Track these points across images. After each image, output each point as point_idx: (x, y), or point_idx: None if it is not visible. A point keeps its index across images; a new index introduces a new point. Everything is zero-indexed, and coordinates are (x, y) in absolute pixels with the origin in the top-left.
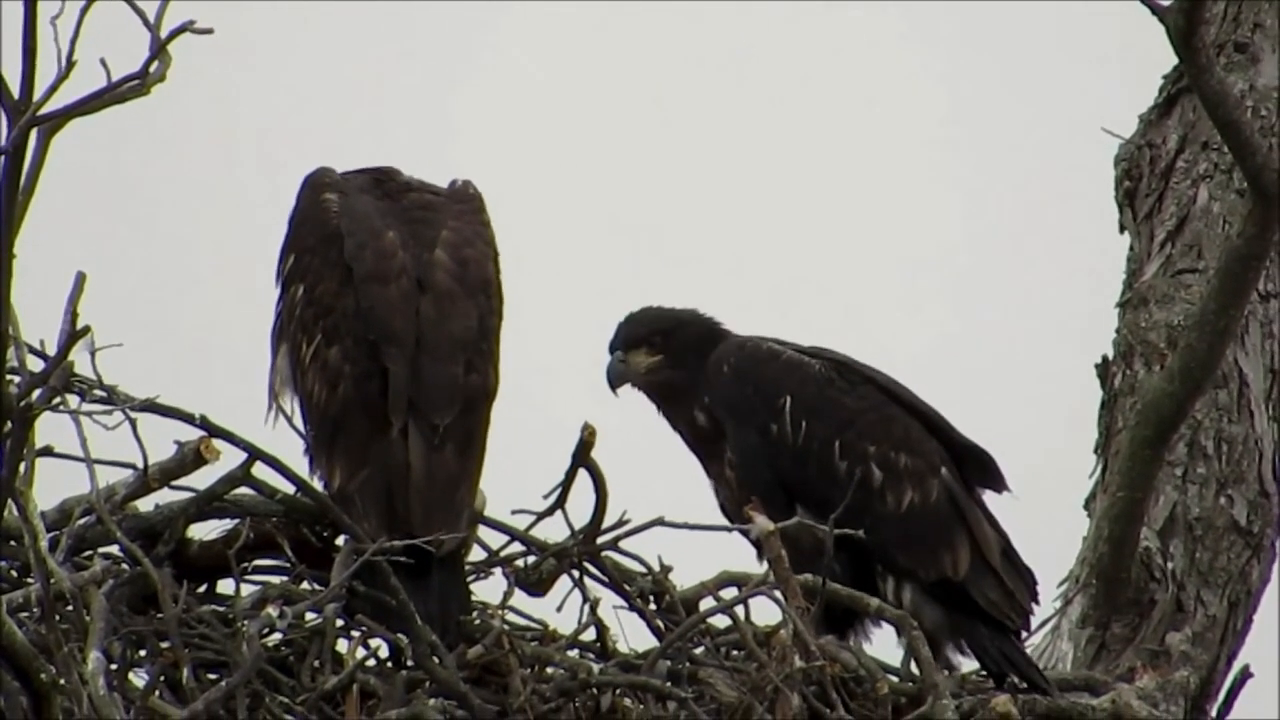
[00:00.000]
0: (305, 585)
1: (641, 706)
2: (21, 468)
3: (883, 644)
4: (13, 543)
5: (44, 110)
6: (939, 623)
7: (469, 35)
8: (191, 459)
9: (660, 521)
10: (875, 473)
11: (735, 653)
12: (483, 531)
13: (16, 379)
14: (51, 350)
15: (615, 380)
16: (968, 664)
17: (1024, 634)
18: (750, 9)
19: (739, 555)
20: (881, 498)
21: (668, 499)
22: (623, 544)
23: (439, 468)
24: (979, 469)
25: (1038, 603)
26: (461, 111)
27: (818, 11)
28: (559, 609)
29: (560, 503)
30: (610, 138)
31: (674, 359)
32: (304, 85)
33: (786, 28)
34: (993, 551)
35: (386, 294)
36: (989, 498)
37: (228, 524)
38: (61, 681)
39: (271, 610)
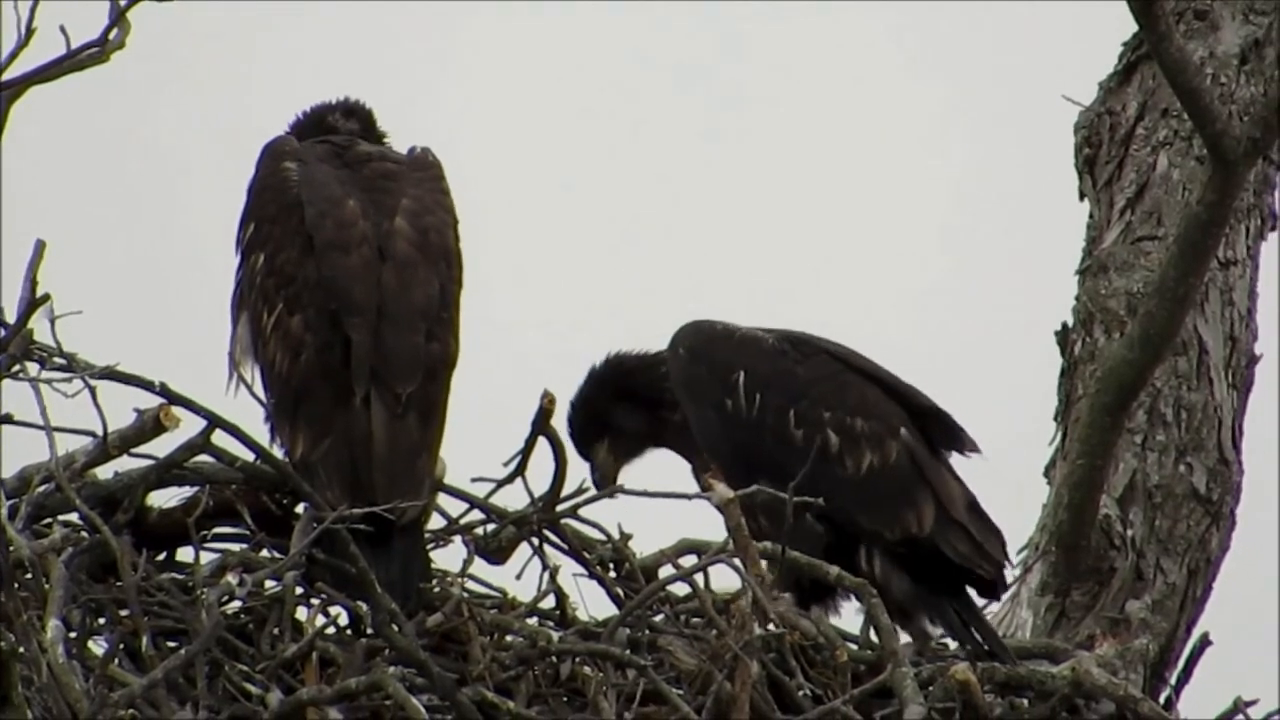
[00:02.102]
0: (265, 553)
1: (601, 674)
2: None
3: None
4: None
5: (4, 78)
6: (907, 591)
7: (462, 32)
8: (151, 426)
9: (619, 489)
10: (832, 438)
11: (695, 620)
12: (442, 499)
13: None
14: (11, 318)
15: (604, 486)
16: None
17: (1000, 586)
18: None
19: (698, 523)
20: (840, 462)
21: (627, 467)
22: (582, 512)
23: (401, 437)
24: (944, 432)
25: (1009, 557)
26: (454, 106)
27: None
28: (518, 577)
29: (520, 470)
30: (596, 126)
31: (619, 428)
32: (276, 58)
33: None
34: (957, 506)
35: (348, 263)
36: (959, 461)
37: (187, 492)
38: (20, 649)
39: (231, 578)
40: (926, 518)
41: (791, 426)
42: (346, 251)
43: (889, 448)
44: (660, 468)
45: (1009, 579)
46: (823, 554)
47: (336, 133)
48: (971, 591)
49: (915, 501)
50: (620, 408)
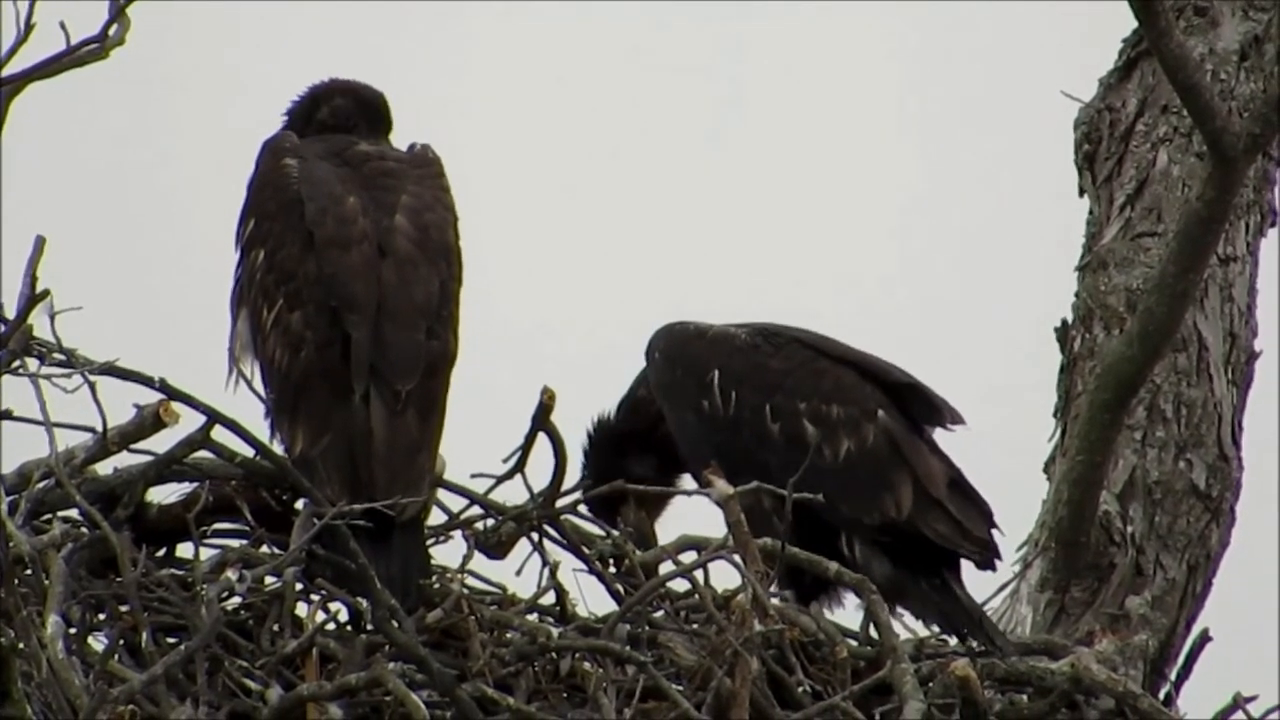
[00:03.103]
0: (265, 549)
1: (601, 670)
2: None
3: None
4: None
5: (3, 73)
6: (888, 576)
7: (462, 33)
8: (151, 422)
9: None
10: (808, 428)
11: (695, 616)
12: (442, 495)
13: None
14: (11, 313)
15: (646, 545)
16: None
17: (992, 558)
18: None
19: (698, 519)
20: (818, 452)
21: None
22: (582, 507)
23: (401, 434)
24: (924, 407)
25: (998, 529)
26: (454, 107)
27: None
28: (518, 573)
29: (520, 466)
30: (597, 127)
31: (638, 478)
32: (277, 55)
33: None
34: (938, 485)
35: (348, 260)
36: (944, 436)
37: (187, 487)
38: (20, 645)
39: (231, 574)
40: (905, 501)
41: (769, 421)
42: (346, 248)
43: (865, 431)
44: None
45: (1000, 550)
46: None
47: (338, 122)
48: (969, 566)
49: (894, 485)
50: (627, 460)
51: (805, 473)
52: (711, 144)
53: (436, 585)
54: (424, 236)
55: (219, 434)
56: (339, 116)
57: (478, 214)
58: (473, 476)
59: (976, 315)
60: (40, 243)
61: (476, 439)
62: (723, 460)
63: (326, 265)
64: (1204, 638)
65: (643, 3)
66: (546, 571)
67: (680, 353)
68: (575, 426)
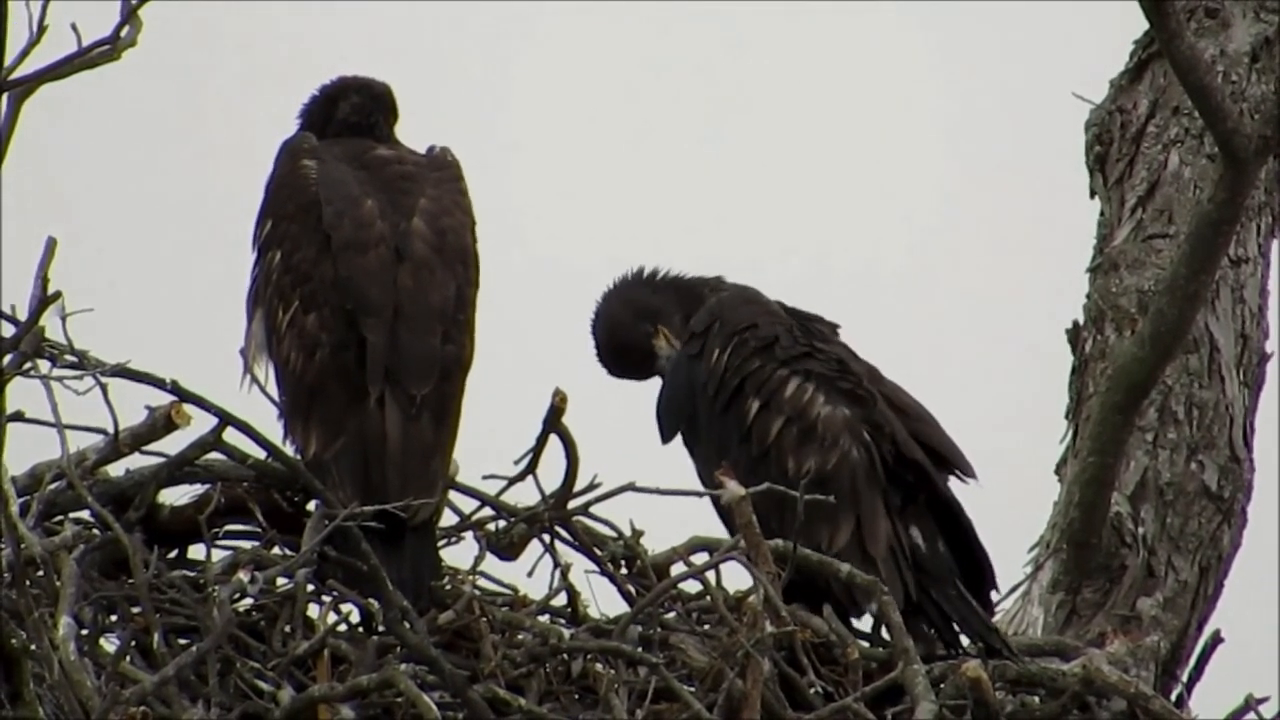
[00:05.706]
0: (277, 550)
1: (612, 672)
2: None
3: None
4: None
5: (15, 75)
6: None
7: (449, 32)
8: (162, 424)
9: (631, 486)
10: (773, 428)
11: (706, 618)
12: (454, 496)
13: None
14: (22, 315)
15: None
16: None
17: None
18: None
19: (710, 520)
20: (778, 459)
21: (639, 464)
22: (594, 509)
23: (415, 438)
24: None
25: (996, 589)
26: (456, 108)
27: None
28: (530, 574)
29: (531, 468)
30: (602, 129)
31: (666, 315)
32: (289, 53)
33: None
34: (878, 544)
35: (365, 263)
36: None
37: (199, 489)
38: (32, 647)
39: (243, 575)
40: (839, 541)
41: (749, 399)
42: (364, 251)
43: (829, 456)
44: (672, 465)
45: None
46: None
47: (360, 118)
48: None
49: (835, 520)
50: (658, 298)
51: (761, 472)
52: (711, 143)
53: (448, 587)
54: (441, 240)
55: (231, 436)
56: (360, 113)
57: (489, 215)
58: (484, 478)
59: (987, 317)
60: (51, 244)
61: (488, 441)
62: (698, 420)
63: (343, 268)
64: (1215, 639)
65: (643, 2)
66: (558, 573)
67: (731, 308)
68: (587, 428)
